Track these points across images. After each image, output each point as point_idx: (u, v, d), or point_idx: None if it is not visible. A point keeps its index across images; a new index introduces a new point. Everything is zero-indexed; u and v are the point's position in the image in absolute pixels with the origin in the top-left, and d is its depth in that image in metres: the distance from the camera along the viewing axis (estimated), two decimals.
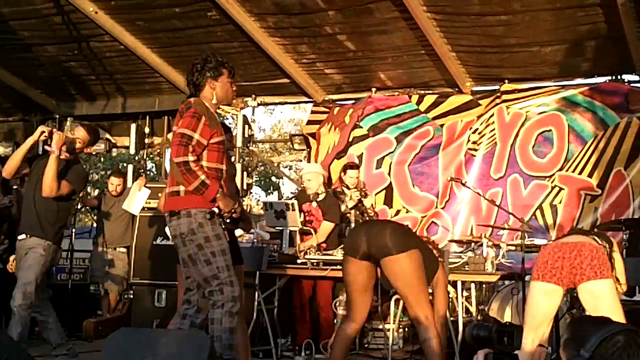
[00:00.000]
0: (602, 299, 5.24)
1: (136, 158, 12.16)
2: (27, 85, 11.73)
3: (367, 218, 8.49)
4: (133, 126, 11.65)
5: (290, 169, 25.48)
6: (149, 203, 9.01)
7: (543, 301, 5.37)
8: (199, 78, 5.39)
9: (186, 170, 5.03)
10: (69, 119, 12.07)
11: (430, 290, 5.92)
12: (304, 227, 8.19)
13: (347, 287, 5.88)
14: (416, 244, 5.73)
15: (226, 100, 5.54)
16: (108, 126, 12.32)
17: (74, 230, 10.13)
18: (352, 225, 8.41)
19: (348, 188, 8.83)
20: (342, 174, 9.00)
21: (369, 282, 5.77)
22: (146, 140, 11.75)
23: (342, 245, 7.31)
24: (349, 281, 5.82)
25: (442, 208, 9.90)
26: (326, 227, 8.35)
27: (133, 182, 10.16)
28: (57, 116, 12.22)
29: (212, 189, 5.11)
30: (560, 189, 9.38)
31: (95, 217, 10.53)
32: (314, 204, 8.52)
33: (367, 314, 5.91)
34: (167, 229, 5.54)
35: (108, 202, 10.03)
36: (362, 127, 10.49)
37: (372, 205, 8.95)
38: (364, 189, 8.67)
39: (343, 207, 8.65)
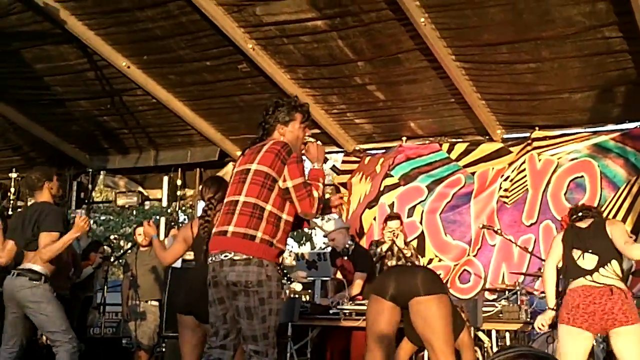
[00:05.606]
0: (633, 343, 5.25)
1: (168, 211, 12.26)
2: (61, 139, 11.90)
3: (403, 259, 8.43)
4: (165, 179, 11.77)
5: (322, 220, 25.45)
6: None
7: (574, 346, 5.36)
8: (269, 121, 5.03)
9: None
10: (102, 172, 12.21)
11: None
12: (337, 277, 8.15)
13: (367, 332, 5.72)
14: (446, 291, 5.67)
15: (296, 148, 4.97)
16: (140, 179, 12.43)
17: (106, 284, 10.13)
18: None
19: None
20: (384, 224, 8.95)
21: (388, 327, 5.62)
22: (178, 193, 11.80)
23: None
24: (369, 322, 5.71)
25: (474, 256, 9.80)
26: (358, 277, 8.30)
27: (165, 235, 10.17)
28: (90, 170, 12.37)
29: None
30: None
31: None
32: (345, 257, 8.50)
33: None
34: (219, 271, 4.69)
35: (141, 255, 10.04)
36: (393, 176, 10.47)
37: (406, 244, 8.83)
38: (392, 231, 8.59)
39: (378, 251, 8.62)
